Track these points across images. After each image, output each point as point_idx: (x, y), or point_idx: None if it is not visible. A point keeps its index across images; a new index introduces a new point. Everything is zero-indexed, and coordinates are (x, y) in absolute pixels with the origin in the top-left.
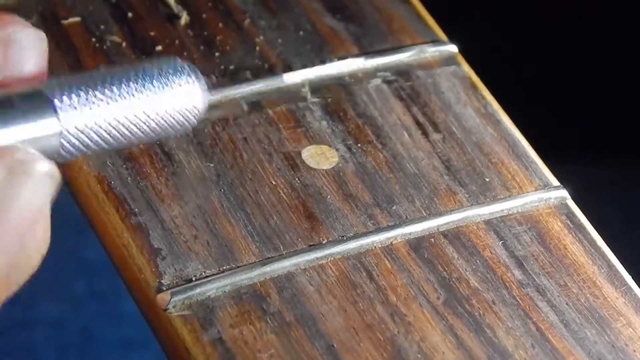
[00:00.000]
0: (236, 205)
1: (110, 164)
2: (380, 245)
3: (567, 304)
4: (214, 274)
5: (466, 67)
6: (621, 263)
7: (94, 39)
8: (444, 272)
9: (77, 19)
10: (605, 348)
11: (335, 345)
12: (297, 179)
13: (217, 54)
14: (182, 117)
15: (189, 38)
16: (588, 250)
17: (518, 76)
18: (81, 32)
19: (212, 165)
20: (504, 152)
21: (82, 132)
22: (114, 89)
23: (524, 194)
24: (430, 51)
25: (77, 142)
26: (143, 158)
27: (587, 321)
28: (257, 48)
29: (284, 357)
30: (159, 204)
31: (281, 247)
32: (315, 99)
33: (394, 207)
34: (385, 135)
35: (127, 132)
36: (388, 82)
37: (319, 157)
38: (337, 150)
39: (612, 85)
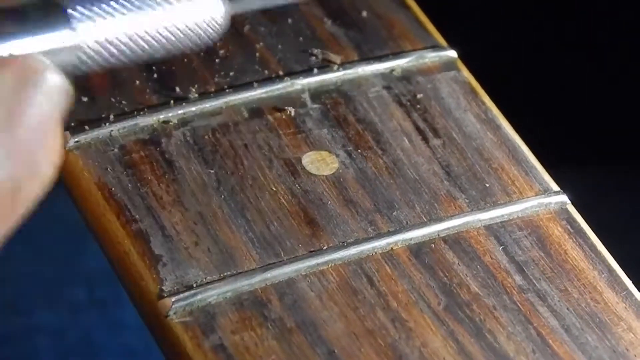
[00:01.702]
0: (237, 212)
1: (110, 171)
2: (380, 251)
3: (567, 309)
4: (215, 280)
5: (466, 73)
6: (621, 268)
7: None
8: (445, 278)
9: None
10: (606, 353)
11: (336, 351)
12: (297, 185)
13: (217, 60)
14: (202, 30)
15: None
16: (588, 255)
17: (518, 81)
18: None
19: (212, 171)
20: (504, 158)
21: (99, 44)
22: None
23: (524, 199)
24: (430, 57)
25: (93, 54)
26: (144, 165)
27: (588, 326)
28: (257, 54)
29: None
30: (160, 211)
31: (282, 253)
32: (316, 105)
33: (395, 213)
34: (385, 141)
35: (144, 45)
36: (388, 88)
37: (319, 163)
38: (337, 156)
39: (613, 91)
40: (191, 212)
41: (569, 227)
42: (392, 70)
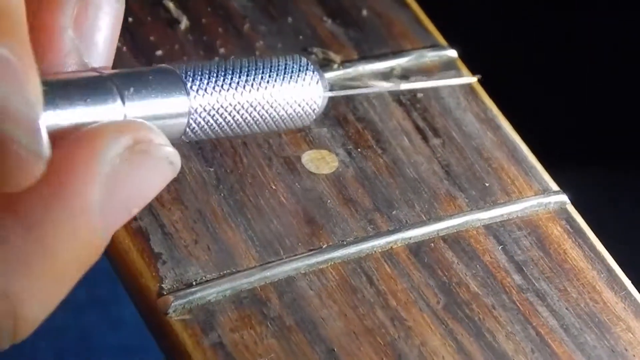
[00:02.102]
0: (236, 210)
1: None
2: (380, 250)
3: (566, 308)
4: (214, 278)
5: (466, 72)
6: (620, 268)
7: None
8: (444, 277)
9: None
10: (604, 353)
11: (335, 349)
12: (297, 184)
13: (217, 58)
14: (302, 111)
15: (189, 43)
16: (587, 255)
17: (518, 81)
18: None
19: (212, 169)
20: (503, 157)
21: (209, 115)
22: (242, 77)
23: (523, 198)
24: (430, 56)
25: (202, 124)
26: None
27: (587, 326)
28: (257, 53)
29: None
30: (160, 209)
31: (281, 251)
32: None
33: (394, 212)
34: (385, 140)
35: (249, 119)
36: None
37: (319, 161)
38: (337, 154)
39: (613, 91)
40: (191, 210)
41: (568, 226)
42: (392, 69)
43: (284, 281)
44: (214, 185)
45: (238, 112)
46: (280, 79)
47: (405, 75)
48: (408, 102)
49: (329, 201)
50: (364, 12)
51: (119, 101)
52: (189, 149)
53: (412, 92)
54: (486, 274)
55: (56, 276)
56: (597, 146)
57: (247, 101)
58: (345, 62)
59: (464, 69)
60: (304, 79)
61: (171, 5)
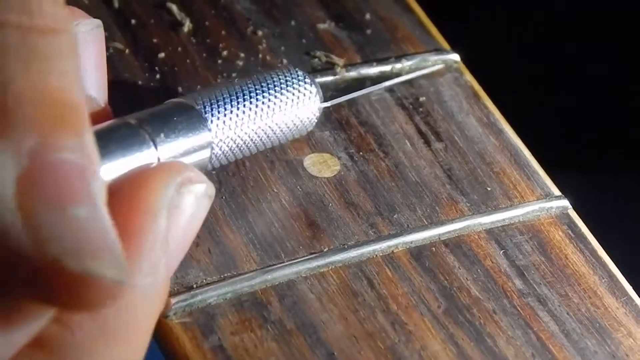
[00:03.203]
0: (238, 213)
1: None
2: (381, 254)
3: (567, 313)
4: (215, 282)
5: (468, 76)
6: (622, 273)
7: None
8: (445, 281)
9: None
10: (605, 358)
11: (335, 353)
12: (299, 187)
13: (219, 61)
14: (302, 125)
15: (192, 45)
16: (589, 260)
17: (520, 86)
18: None
19: (214, 172)
20: (505, 162)
21: (226, 144)
22: (252, 100)
23: (525, 203)
24: (433, 60)
25: (221, 153)
26: None
27: (588, 331)
28: (260, 55)
29: None
30: None
31: (282, 254)
32: None
33: (396, 216)
34: (387, 143)
35: (258, 142)
36: (390, 91)
37: (321, 165)
38: (339, 158)
39: (616, 95)
40: None
41: (570, 231)
42: (395, 73)
43: (285, 284)
44: (216, 188)
45: (250, 137)
46: (284, 97)
47: (408, 79)
48: (410, 105)
49: (330, 205)
50: (367, 16)
51: (152, 147)
52: None
53: (415, 96)
54: (487, 279)
55: (140, 333)
56: (599, 151)
57: (259, 125)
58: (348, 66)
59: (466, 73)
60: (304, 94)
61: (174, 8)
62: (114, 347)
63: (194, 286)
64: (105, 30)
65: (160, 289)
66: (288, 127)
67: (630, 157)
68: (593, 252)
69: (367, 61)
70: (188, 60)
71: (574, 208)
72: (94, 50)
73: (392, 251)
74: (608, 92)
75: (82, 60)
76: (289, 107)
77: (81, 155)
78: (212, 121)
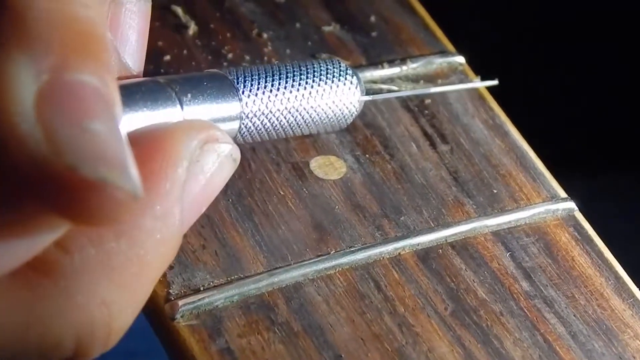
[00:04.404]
0: (244, 215)
1: None
2: (388, 256)
3: (574, 315)
4: (222, 284)
5: (473, 79)
6: (628, 275)
7: None
8: (452, 283)
9: None
10: None
11: (343, 355)
12: (305, 190)
13: (225, 63)
14: (341, 114)
15: (197, 48)
16: (595, 262)
17: (526, 88)
18: None
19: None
20: (511, 164)
21: (258, 119)
22: (289, 81)
23: (531, 205)
24: (438, 62)
25: (252, 128)
26: None
27: (595, 333)
28: (265, 58)
29: None
30: None
31: (289, 257)
32: None
33: (402, 218)
34: (393, 146)
35: (293, 122)
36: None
37: (327, 167)
38: (345, 160)
39: (623, 97)
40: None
41: (576, 233)
42: (401, 75)
43: (292, 287)
44: (222, 191)
45: (284, 116)
46: (323, 83)
47: (415, 81)
48: (416, 108)
49: (336, 207)
50: (372, 18)
51: (178, 106)
52: None
53: (420, 98)
54: (494, 281)
55: (145, 280)
56: (605, 153)
57: (293, 106)
58: (353, 68)
59: (471, 75)
60: (344, 84)
61: (179, 11)
62: (114, 284)
63: (201, 288)
64: None
65: (170, 239)
66: (326, 114)
67: (637, 158)
68: (599, 254)
69: (372, 64)
70: (193, 63)
71: (580, 210)
72: (138, 22)
73: (399, 253)
74: (615, 94)
75: (125, 28)
76: (326, 94)
77: (101, 82)
78: (243, 92)
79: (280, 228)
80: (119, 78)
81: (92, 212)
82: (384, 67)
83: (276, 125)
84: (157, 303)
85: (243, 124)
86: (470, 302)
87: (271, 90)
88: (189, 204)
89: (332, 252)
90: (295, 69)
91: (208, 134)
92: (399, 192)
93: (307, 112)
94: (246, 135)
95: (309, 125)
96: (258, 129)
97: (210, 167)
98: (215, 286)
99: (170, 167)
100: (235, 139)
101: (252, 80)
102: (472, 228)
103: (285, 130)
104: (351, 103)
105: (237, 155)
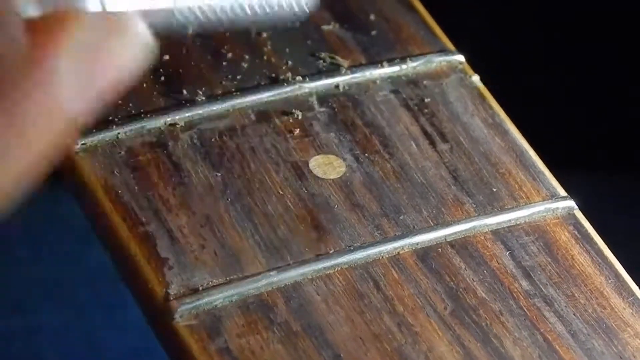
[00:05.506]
0: (243, 215)
1: (117, 173)
2: (387, 255)
3: (574, 314)
4: (221, 284)
5: (473, 77)
6: (628, 274)
7: None
8: (451, 283)
9: None
10: (612, 359)
11: (342, 355)
12: (304, 189)
13: (224, 63)
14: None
15: (196, 47)
16: (595, 260)
17: (525, 86)
18: None
19: (219, 174)
20: (511, 162)
21: (192, 9)
22: None
23: (531, 204)
24: (438, 61)
25: (188, 16)
26: (150, 167)
27: (595, 332)
28: (265, 57)
29: None
30: (166, 214)
31: (288, 256)
32: (323, 109)
33: (401, 217)
34: (392, 145)
35: (232, 11)
36: (395, 92)
37: (327, 166)
38: (344, 160)
39: (622, 96)
40: (198, 215)
41: (576, 232)
42: (400, 74)
43: (291, 286)
44: (221, 190)
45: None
46: None
47: (414, 79)
48: (416, 107)
49: (336, 206)
50: (372, 17)
51: None
52: (196, 153)
53: (420, 97)
54: (493, 280)
55: (24, 146)
56: (605, 152)
57: None
58: (353, 67)
59: (471, 73)
60: None
61: None
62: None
63: (200, 288)
64: None
65: (54, 106)
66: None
67: (637, 158)
68: (599, 252)
69: (372, 62)
70: (192, 63)
71: (580, 209)
72: None
73: (398, 252)
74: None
75: None
76: None
77: None
78: None
79: (280, 228)
80: None
81: None
82: (383, 65)
83: (212, 13)
84: (156, 303)
85: (174, 13)
86: (470, 301)
87: None
88: (83, 78)
89: (331, 252)
90: None
91: (116, 19)
92: (398, 191)
93: None
94: (181, 17)
95: (251, 10)
96: (195, 16)
97: (114, 46)
98: (214, 286)
99: (60, 31)
100: (172, 20)
101: None
102: (472, 227)
103: (225, 10)
104: None
105: (148, 38)
